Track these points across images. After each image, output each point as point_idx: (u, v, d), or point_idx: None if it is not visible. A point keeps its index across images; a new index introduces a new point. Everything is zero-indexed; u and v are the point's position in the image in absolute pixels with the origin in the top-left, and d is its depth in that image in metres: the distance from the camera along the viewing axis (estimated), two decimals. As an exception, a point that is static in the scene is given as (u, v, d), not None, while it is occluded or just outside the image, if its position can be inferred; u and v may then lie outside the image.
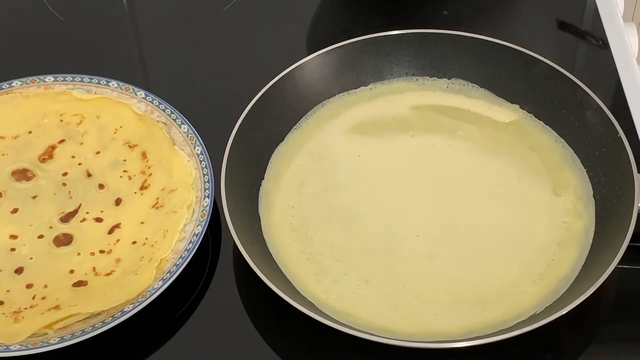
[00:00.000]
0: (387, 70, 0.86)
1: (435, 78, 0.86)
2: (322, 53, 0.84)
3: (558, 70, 0.82)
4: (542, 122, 0.83)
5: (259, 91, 0.80)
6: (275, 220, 0.77)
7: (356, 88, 0.86)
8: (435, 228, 0.76)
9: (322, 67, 0.84)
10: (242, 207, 0.75)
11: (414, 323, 0.70)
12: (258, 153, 0.80)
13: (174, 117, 0.82)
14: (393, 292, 0.72)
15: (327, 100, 0.85)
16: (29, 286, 0.73)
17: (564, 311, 0.66)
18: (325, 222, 0.76)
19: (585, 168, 0.79)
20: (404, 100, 0.85)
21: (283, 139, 0.82)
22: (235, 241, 0.70)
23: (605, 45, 0.93)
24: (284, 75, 0.82)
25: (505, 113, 0.84)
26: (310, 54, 0.84)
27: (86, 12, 1.01)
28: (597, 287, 0.67)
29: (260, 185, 0.78)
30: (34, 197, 0.79)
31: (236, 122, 0.79)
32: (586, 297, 0.66)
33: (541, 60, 0.83)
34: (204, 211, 0.75)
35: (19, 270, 0.74)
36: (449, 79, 0.86)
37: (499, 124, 0.83)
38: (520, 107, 0.84)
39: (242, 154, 0.77)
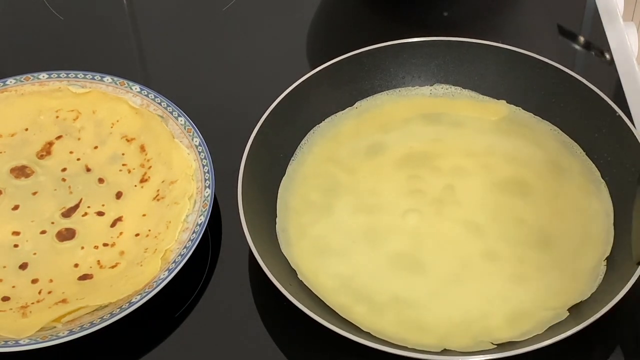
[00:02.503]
0: (369, 86, 0.85)
1: (417, 86, 0.86)
2: (305, 80, 0.82)
3: (540, 59, 0.82)
4: (531, 114, 0.83)
5: (258, 120, 0.79)
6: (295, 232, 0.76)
7: (342, 110, 0.84)
8: (457, 242, 0.74)
9: (308, 93, 0.82)
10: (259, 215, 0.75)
11: (426, 334, 0.69)
12: (266, 191, 0.78)
13: (171, 110, 0.83)
14: (413, 306, 0.71)
15: (317, 126, 0.83)
16: (34, 281, 0.73)
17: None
18: (349, 242, 0.75)
19: (585, 152, 0.80)
20: (392, 114, 0.84)
21: (285, 173, 0.80)
22: (251, 246, 0.70)
23: (603, 54, 0.93)
24: (274, 107, 0.80)
25: (493, 110, 0.84)
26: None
27: (86, 11, 1.01)
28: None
29: (276, 223, 0.77)
30: (34, 194, 0.79)
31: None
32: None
33: (521, 53, 0.83)
34: (206, 201, 0.76)
35: (23, 266, 0.74)
36: (431, 85, 0.86)
37: (489, 122, 0.83)
38: (508, 102, 0.84)
39: (253, 190, 0.75)
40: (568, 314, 0.69)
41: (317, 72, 0.83)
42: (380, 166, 0.80)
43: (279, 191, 0.79)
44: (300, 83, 0.82)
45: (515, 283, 0.72)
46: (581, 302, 0.70)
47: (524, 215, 0.76)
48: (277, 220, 0.76)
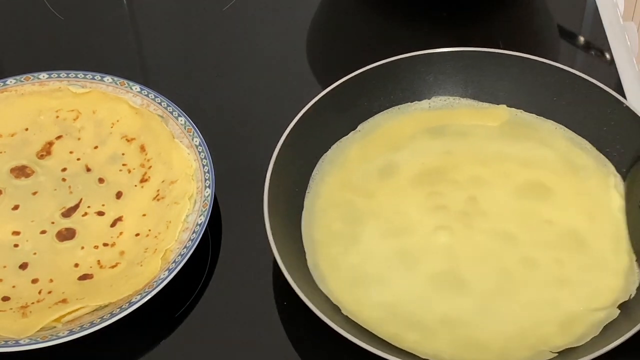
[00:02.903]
0: (369, 107, 0.84)
1: (416, 101, 0.85)
2: (306, 111, 0.80)
3: (535, 59, 0.82)
4: (533, 115, 0.83)
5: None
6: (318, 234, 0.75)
7: (346, 135, 0.83)
8: (492, 253, 0.73)
9: (311, 124, 0.80)
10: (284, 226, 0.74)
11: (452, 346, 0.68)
12: (289, 228, 0.76)
13: (171, 110, 0.83)
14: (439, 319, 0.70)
15: (324, 155, 0.81)
16: (34, 281, 0.73)
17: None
18: (384, 268, 0.74)
19: (595, 146, 0.80)
20: (396, 132, 0.83)
21: (303, 207, 0.78)
22: (297, 291, 0.68)
23: (603, 54, 0.93)
24: (282, 144, 0.77)
25: (494, 116, 0.83)
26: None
27: (86, 11, 1.01)
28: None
29: (306, 259, 0.74)
30: (34, 194, 0.79)
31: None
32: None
33: (514, 55, 0.83)
34: (206, 201, 0.76)
35: (23, 266, 0.74)
36: (429, 98, 0.85)
37: (492, 128, 0.82)
38: (508, 106, 0.84)
39: (278, 231, 0.73)
40: (619, 311, 0.69)
41: (317, 101, 0.81)
42: (397, 186, 0.79)
43: (302, 226, 0.77)
44: (302, 115, 0.80)
45: (560, 287, 0.71)
46: (629, 299, 0.70)
47: (551, 217, 0.75)
48: (306, 256, 0.74)
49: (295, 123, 0.79)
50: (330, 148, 0.82)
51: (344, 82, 0.82)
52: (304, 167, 0.80)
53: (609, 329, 0.68)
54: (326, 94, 0.81)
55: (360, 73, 0.83)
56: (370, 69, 0.83)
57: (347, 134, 0.83)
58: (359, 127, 0.83)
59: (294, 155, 0.78)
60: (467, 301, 0.71)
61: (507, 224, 0.75)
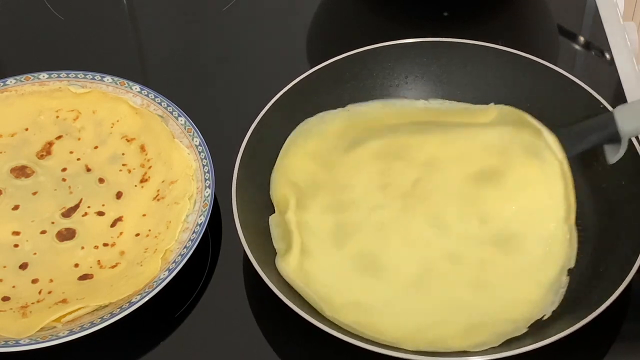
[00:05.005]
0: (364, 94, 0.85)
1: (413, 99, 0.85)
2: (303, 78, 0.82)
3: (534, 60, 0.82)
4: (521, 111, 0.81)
5: (252, 123, 0.79)
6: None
7: (334, 109, 0.84)
8: (420, 241, 0.73)
9: (302, 89, 0.82)
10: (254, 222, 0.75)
11: (414, 335, 0.68)
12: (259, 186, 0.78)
13: (171, 110, 0.83)
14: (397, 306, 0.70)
15: (308, 119, 0.83)
16: (34, 281, 0.73)
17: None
18: (318, 241, 0.74)
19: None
20: (381, 119, 0.83)
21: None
22: (249, 256, 0.70)
23: (603, 54, 0.93)
24: (269, 108, 0.80)
25: (484, 114, 0.82)
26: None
27: (86, 11, 1.01)
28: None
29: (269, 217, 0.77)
30: (34, 194, 0.79)
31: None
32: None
33: (519, 55, 0.83)
34: (206, 201, 0.76)
35: (23, 266, 0.74)
36: (426, 99, 0.85)
37: (478, 124, 0.81)
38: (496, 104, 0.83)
39: (246, 191, 0.75)
40: (527, 330, 0.67)
41: (311, 73, 0.82)
42: (358, 160, 0.79)
43: (271, 186, 0.78)
44: (298, 81, 0.82)
45: (477, 290, 0.70)
46: (541, 319, 0.68)
47: (492, 212, 0.73)
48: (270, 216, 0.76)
49: (287, 91, 0.81)
50: (314, 115, 0.83)
51: (341, 58, 0.84)
52: (285, 131, 0.82)
53: (509, 342, 0.66)
54: (322, 67, 0.83)
55: (364, 50, 0.84)
56: (373, 49, 0.84)
57: (335, 109, 0.84)
58: (348, 107, 0.84)
59: (279, 121, 0.80)
60: (380, 288, 0.71)
61: (445, 212, 0.74)
